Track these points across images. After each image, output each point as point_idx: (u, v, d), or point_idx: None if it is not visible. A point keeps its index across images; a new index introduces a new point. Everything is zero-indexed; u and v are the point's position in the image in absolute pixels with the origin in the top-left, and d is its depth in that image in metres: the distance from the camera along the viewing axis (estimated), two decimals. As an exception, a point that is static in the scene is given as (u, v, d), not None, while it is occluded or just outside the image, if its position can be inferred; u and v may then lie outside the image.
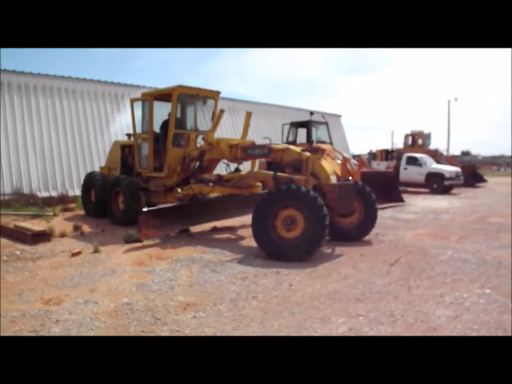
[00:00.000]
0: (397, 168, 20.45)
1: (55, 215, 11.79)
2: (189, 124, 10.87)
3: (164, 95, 10.28)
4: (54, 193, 15.08)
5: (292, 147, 8.38)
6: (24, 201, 13.27)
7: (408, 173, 20.14)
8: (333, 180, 7.57)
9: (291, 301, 4.96)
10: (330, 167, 7.81)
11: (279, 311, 4.63)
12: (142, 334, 4.03)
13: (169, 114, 10.07)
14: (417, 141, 26.20)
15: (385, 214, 12.26)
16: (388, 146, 27.71)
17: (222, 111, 9.57)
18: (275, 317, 4.44)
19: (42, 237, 8.30)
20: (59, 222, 10.74)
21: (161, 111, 10.74)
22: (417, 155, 20.78)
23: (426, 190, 19.71)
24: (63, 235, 8.91)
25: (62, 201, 14.02)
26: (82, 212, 12.36)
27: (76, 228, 9.55)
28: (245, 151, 8.94)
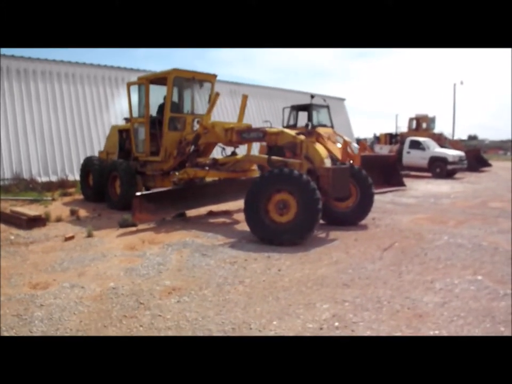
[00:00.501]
0: (400, 152, 20.24)
1: (53, 199, 11.82)
2: (186, 107, 10.78)
3: (160, 79, 10.17)
4: (54, 178, 15.11)
5: (287, 130, 8.28)
6: (24, 186, 13.31)
7: (411, 157, 19.94)
8: (327, 163, 7.48)
9: (278, 286, 4.92)
10: (324, 150, 7.71)
11: (264, 296, 4.60)
12: (124, 319, 4.01)
13: (165, 98, 9.97)
14: (421, 124, 25.87)
15: (385, 198, 12.18)
16: (392, 130, 27.39)
17: (217, 94, 9.46)
18: (259, 302, 4.41)
19: (37, 221, 8.31)
20: (57, 207, 10.76)
21: (159, 95, 10.63)
22: (420, 139, 20.55)
23: (429, 174, 19.53)
24: (59, 220, 8.92)
25: (62, 186, 14.03)
26: (81, 197, 12.36)
27: (73, 213, 9.55)
28: (240, 134, 8.85)
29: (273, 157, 8.21)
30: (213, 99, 9.63)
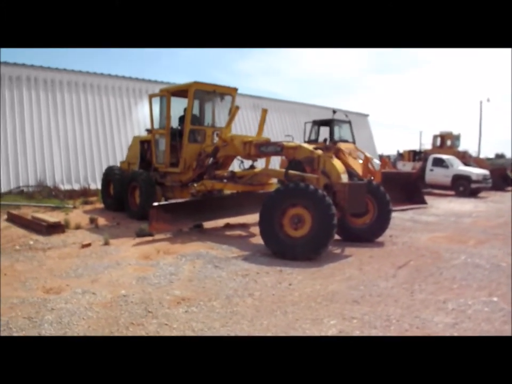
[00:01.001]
0: (423, 169, 19.98)
1: (74, 207, 12.02)
2: (206, 120, 10.92)
3: (181, 91, 10.31)
4: (76, 186, 15.42)
5: (304, 145, 8.29)
6: (47, 193, 13.60)
7: (434, 175, 19.62)
8: (344, 178, 7.43)
9: (287, 300, 4.90)
10: (341, 165, 7.68)
11: (272, 309, 4.58)
12: (131, 326, 4.05)
13: (185, 110, 10.11)
14: (446, 142, 25.56)
15: (405, 216, 12.03)
16: (416, 147, 27.10)
17: (237, 108, 9.57)
18: (266, 316, 4.39)
19: (57, 228, 8.48)
20: (77, 215, 10.94)
21: (180, 107, 10.78)
22: (444, 156, 20.24)
23: (453, 193, 19.19)
24: (78, 227, 9.08)
25: (84, 194, 14.28)
26: (102, 206, 12.54)
27: (92, 221, 9.70)
28: (259, 148, 8.90)
29: (290, 171, 8.23)
30: (232, 112, 9.73)
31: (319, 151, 7.84)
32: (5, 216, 10.17)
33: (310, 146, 8.23)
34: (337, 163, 7.65)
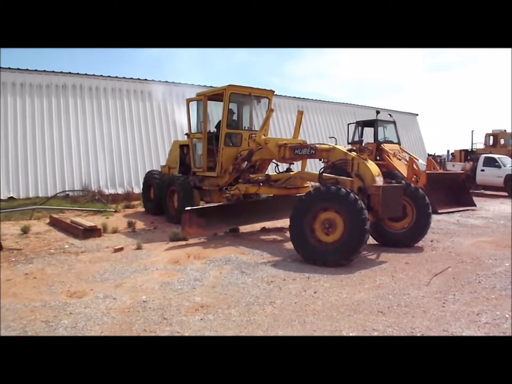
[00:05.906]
0: (473, 170, 19.01)
1: (116, 211, 12.27)
2: (242, 123, 10.84)
3: (217, 95, 10.28)
4: (120, 191, 15.79)
5: (338, 147, 8.01)
6: (90, 197, 13.99)
7: (485, 175, 18.58)
8: (378, 181, 7.12)
9: (308, 309, 4.69)
10: (376, 168, 7.36)
11: (290, 319, 4.39)
12: (143, 333, 4.00)
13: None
14: (499, 140, 24.26)
15: (451, 219, 11.44)
16: (469, 146, 25.72)
17: (271, 111, 9.45)
18: (283, 325, 4.21)
19: (93, 232, 8.64)
20: (118, 219, 11.16)
21: (219, 111, 10.76)
22: (495, 156, 19.13)
23: (506, 194, 18.10)
24: (115, 231, 9.24)
25: (127, 198, 14.60)
26: (143, 210, 12.75)
27: (129, 225, 9.83)
28: (293, 151, 8.72)
29: (325, 174, 8.00)
30: (266, 115, 9.60)
31: (353, 153, 7.55)
32: (48, 220, 10.54)
33: (344, 149, 7.95)
34: (371, 165, 7.34)
